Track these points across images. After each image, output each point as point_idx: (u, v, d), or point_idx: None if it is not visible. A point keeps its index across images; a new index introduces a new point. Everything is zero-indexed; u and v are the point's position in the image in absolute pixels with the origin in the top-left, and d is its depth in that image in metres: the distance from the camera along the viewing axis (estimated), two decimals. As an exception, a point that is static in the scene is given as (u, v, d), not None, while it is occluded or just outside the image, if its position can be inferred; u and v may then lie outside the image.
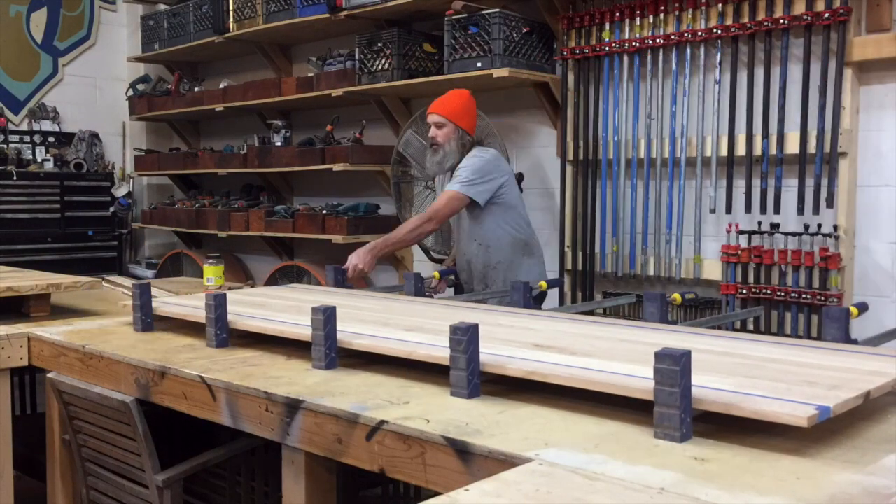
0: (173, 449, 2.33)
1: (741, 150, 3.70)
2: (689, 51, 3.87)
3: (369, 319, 2.34)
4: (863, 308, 2.18)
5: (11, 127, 6.49)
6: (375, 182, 5.23)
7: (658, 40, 3.89)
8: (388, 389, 1.83)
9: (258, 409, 1.84)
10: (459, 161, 3.51)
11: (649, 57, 3.96)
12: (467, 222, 3.55)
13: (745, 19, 3.64)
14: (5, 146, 6.35)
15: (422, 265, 4.94)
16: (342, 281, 3.22)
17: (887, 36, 3.34)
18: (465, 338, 1.72)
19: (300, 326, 2.18)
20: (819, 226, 3.46)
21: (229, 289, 3.35)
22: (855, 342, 1.99)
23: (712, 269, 3.82)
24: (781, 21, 3.51)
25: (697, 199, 3.86)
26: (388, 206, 5.13)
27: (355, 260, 3.26)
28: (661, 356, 1.43)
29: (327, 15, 4.90)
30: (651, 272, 4.00)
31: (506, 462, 1.38)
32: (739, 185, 3.73)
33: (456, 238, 3.73)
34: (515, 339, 2.02)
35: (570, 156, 4.29)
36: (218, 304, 2.30)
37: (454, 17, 4.30)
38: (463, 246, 3.61)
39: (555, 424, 1.56)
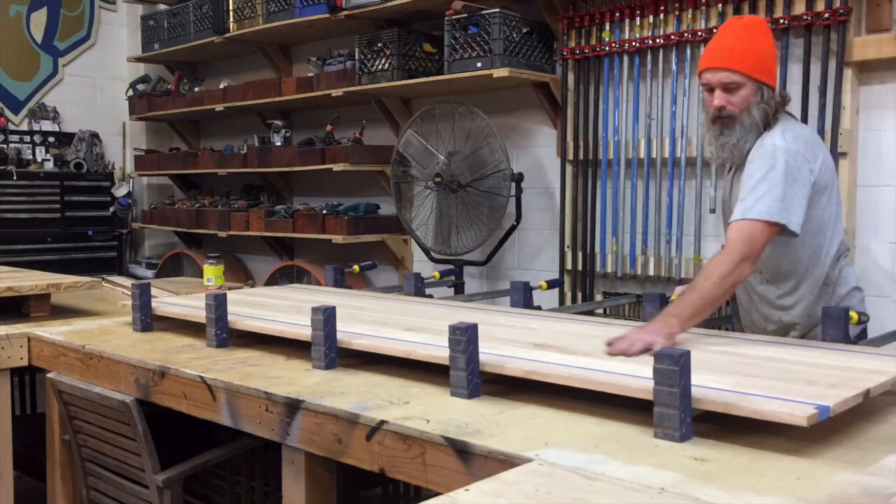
0: (173, 449, 2.33)
1: (741, 150, 3.70)
2: (689, 51, 3.86)
3: (369, 319, 2.34)
4: (864, 317, 2.17)
5: (11, 127, 6.49)
6: (375, 182, 5.22)
7: (658, 40, 3.89)
8: (388, 389, 1.83)
9: (258, 409, 1.84)
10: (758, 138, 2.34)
11: (649, 57, 3.96)
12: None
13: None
14: (5, 146, 6.34)
15: (422, 265, 4.94)
16: (342, 281, 3.22)
17: (887, 36, 3.34)
18: (465, 338, 1.72)
19: (300, 326, 2.18)
20: (819, 226, 3.46)
21: (229, 289, 3.35)
22: (855, 342, 1.99)
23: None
24: (781, 21, 3.51)
25: (697, 199, 3.86)
26: (388, 206, 5.13)
27: (648, 338, 1.88)
28: (661, 356, 1.43)
29: (327, 15, 4.90)
30: (651, 272, 4.00)
31: (506, 462, 1.38)
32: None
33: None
34: (515, 339, 2.02)
35: (570, 156, 4.29)
36: (218, 304, 2.30)
37: (454, 17, 4.30)
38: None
39: (555, 424, 1.56)
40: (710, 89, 2.34)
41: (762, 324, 2.50)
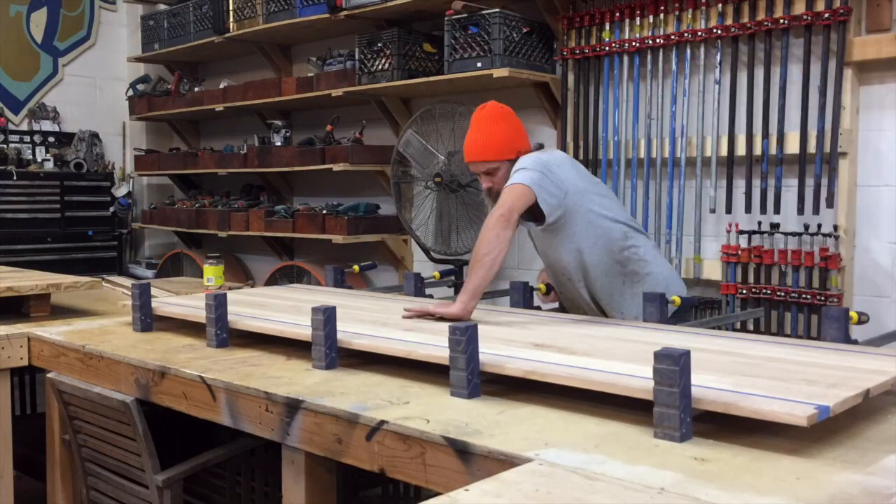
0: (173, 449, 2.33)
1: (741, 150, 3.70)
2: (689, 51, 3.86)
3: (369, 319, 2.34)
4: (864, 317, 2.18)
5: (11, 127, 6.49)
6: (375, 182, 5.22)
7: (658, 40, 3.89)
8: (388, 389, 1.83)
9: (258, 409, 1.84)
10: None
11: (649, 57, 3.96)
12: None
13: (745, 19, 3.63)
14: (5, 146, 6.34)
15: (422, 265, 4.94)
16: (342, 281, 3.22)
17: (887, 36, 3.34)
18: (465, 338, 1.72)
19: (300, 326, 2.19)
20: (819, 226, 3.46)
21: (229, 289, 3.35)
22: (855, 342, 1.99)
23: (712, 269, 3.82)
24: (781, 21, 3.51)
25: (697, 199, 3.86)
26: (388, 206, 5.13)
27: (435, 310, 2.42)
28: (661, 356, 1.43)
29: (327, 15, 4.90)
30: (651, 272, 3.99)
31: (506, 462, 1.38)
32: (739, 185, 3.73)
33: None
34: (515, 339, 2.02)
35: (570, 156, 4.28)
36: (218, 304, 2.30)
37: (454, 17, 4.30)
38: (552, 277, 2.94)
39: (555, 424, 1.56)
40: (479, 175, 2.83)
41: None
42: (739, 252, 3.66)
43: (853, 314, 2.07)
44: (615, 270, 2.73)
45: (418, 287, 2.96)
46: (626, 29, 4.00)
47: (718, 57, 3.75)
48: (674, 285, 2.84)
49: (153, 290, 2.78)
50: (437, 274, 3.26)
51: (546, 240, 2.74)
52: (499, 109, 2.81)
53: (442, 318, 2.33)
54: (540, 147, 2.83)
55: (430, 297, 3.02)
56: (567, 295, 2.87)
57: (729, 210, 3.74)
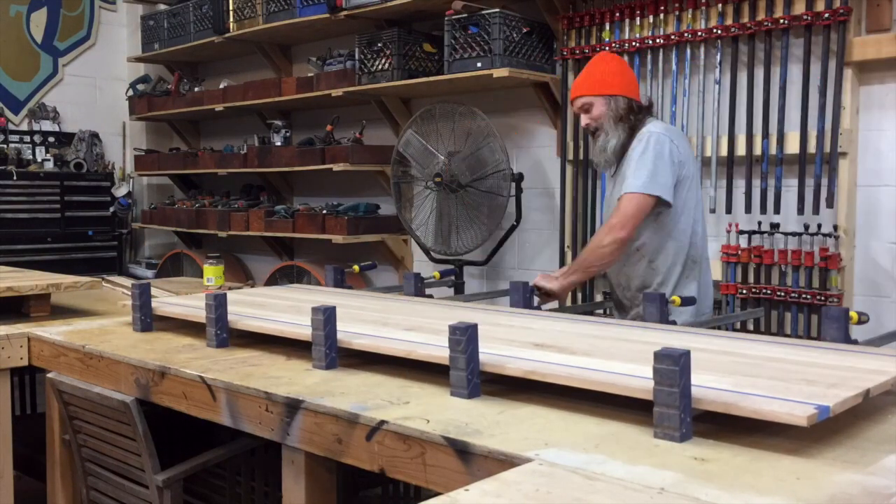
0: (173, 449, 2.33)
1: (741, 150, 3.70)
2: (689, 51, 3.87)
3: (369, 319, 2.34)
4: (864, 317, 2.18)
5: (11, 127, 6.49)
6: (375, 182, 5.23)
7: (658, 40, 3.89)
8: (388, 389, 1.83)
9: (258, 409, 1.84)
10: (628, 138, 2.83)
11: (649, 57, 3.96)
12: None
13: (745, 19, 3.63)
14: (5, 146, 6.35)
15: (422, 265, 4.94)
16: (342, 281, 3.22)
17: (887, 36, 3.34)
18: (465, 337, 1.72)
19: (300, 326, 2.18)
20: (819, 226, 3.46)
21: (229, 289, 3.35)
22: (855, 342, 1.99)
23: (712, 269, 3.81)
24: (781, 21, 3.51)
25: (697, 199, 3.86)
26: (388, 206, 5.13)
27: (550, 284, 2.74)
28: (661, 356, 1.43)
29: (327, 15, 4.90)
30: (651, 272, 3.99)
31: (506, 462, 1.38)
32: (739, 185, 3.73)
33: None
34: (515, 339, 2.02)
35: (570, 156, 4.29)
36: (218, 304, 2.30)
37: (454, 17, 4.30)
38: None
39: (555, 424, 1.56)
40: (576, 114, 2.98)
41: (626, 282, 2.95)
42: (739, 252, 3.66)
43: (853, 314, 2.07)
44: (682, 255, 2.84)
45: (418, 287, 2.96)
46: (626, 29, 4.00)
47: (718, 57, 3.75)
48: (706, 297, 2.95)
49: (153, 290, 2.78)
50: (437, 274, 3.26)
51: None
52: (607, 55, 3.01)
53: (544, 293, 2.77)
54: (649, 108, 2.92)
55: (430, 296, 3.02)
56: (620, 269, 2.91)
57: (729, 210, 3.74)
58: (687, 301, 2.65)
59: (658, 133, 2.76)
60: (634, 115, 2.84)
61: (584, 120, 2.89)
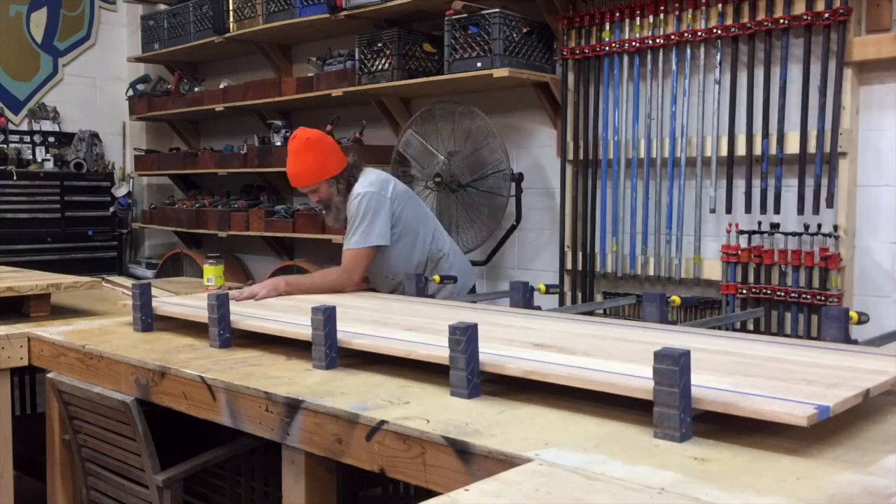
0: (173, 449, 2.33)
1: (741, 150, 3.70)
2: (689, 51, 3.86)
3: (369, 319, 2.34)
4: (864, 317, 2.18)
5: (11, 127, 6.49)
6: (375, 182, 5.22)
7: (658, 40, 3.89)
8: (388, 389, 1.83)
9: (258, 409, 1.84)
10: (349, 200, 3.27)
11: (649, 57, 3.96)
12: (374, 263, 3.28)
13: (745, 19, 3.63)
14: (5, 146, 6.35)
15: (422, 265, 4.94)
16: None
17: (887, 36, 3.34)
18: (465, 337, 1.72)
19: (300, 326, 2.19)
20: (819, 226, 3.46)
21: (229, 289, 3.35)
22: (855, 342, 1.99)
23: (712, 269, 3.82)
24: (781, 21, 3.51)
25: (697, 199, 3.86)
26: (388, 206, 5.13)
27: (257, 289, 2.90)
28: (661, 356, 1.43)
29: (327, 15, 4.90)
30: (651, 272, 4.00)
31: (506, 462, 1.38)
32: (739, 185, 3.73)
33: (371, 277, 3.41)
34: (515, 339, 2.02)
35: (570, 156, 4.29)
36: (221, 304, 2.30)
37: (454, 17, 4.30)
38: (377, 283, 3.42)
39: (555, 424, 1.56)
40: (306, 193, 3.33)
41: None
42: (739, 252, 3.66)
43: (853, 314, 2.07)
44: (424, 260, 3.40)
45: (420, 288, 2.96)
46: (626, 29, 4.00)
47: (718, 57, 3.75)
48: (464, 277, 3.52)
49: (153, 290, 2.78)
50: (437, 278, 3.26)
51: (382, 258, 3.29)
52: (304, 140, 3.24)
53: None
54: (355, 165, 3.32)
55: (431, 297, 3.02)
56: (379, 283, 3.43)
57: (729, 210, 3.74)
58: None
59: (365, 193, 3.21)
60: (351, 179, 3.29)
61: (315, 198, 3.31)
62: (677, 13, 3.84)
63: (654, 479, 1.26)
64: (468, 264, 3.73)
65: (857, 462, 1.33)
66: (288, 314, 2.45)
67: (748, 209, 3.67)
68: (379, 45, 4.70)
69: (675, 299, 2.57)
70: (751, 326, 3.61)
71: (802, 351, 1.87)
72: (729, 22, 3.68)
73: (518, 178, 4.37)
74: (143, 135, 7.07)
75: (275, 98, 5.46)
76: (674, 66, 3.89)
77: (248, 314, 2.44)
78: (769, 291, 3.57)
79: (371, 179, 3.27)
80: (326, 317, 2.02)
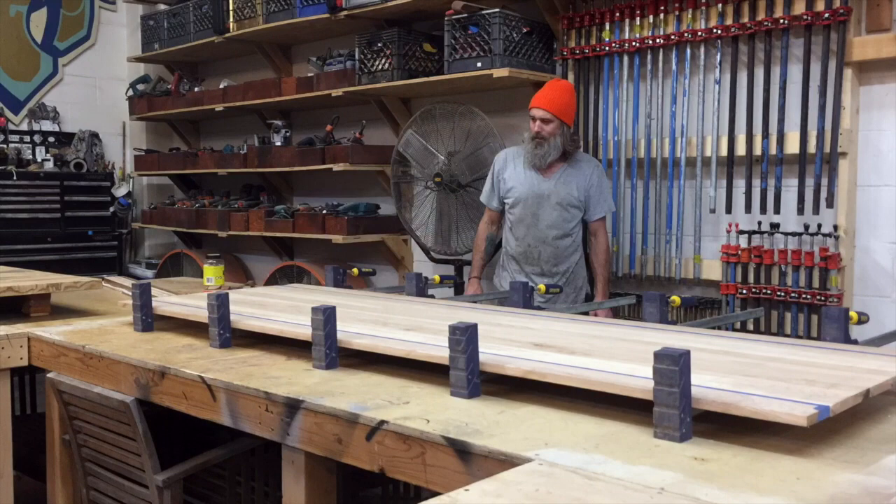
0: (173, 449, 2.33)
1: (741, 150, 3.70)
2: (689, 51, 3.87)
3: (369, 319, 2.34)
4: (864, 317, 2.18)
5: (11, 127, 6.49)
6: (375, 182, 5.23)
7: (658, 40, 3.89)
8: (388, 389, 1.83)
9: (258, 409, 1.84)
10: (560, 156, 3.63)
11: (649, 57, 3.96)
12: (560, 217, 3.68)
13: (745, 19, 3.63)
14: (5, 146, 6.35)
15: (422, 265, 4.94)
16: (342, 281, 3.22)
17: (887, 36, 3.34)
18: (465, 337, 1.72)
19: (300, 326, 2.18)
20: (819, 226, 3.46)
21: (229, 289, 3.35)
22: (855, 342, 1.99)
23: (712, 269, 3.82)
24: (781, 21, 3.51)
25: (697, 199, 3.86)
26: (388, 206, 5.13)
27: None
28: (661, 356, 1.43)
29: (327, 15, 4.90)
30: (651, 272, 4.00)
31: (506, 462, 1.38)
32: (739, 185, 3.73)
33: (522, 227, 3.74)
34: (515, 339, 2.02)
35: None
36: (221, 304, 2.30)
37: (454, 17, 4.30)
38: (540, 234, 3.70)
39: (555, 424, 1.56)
40: (534, 119, 3.61)
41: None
42: (739, 252, 3.66)
43: (853, 314, 2.06)
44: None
45: (420, 287, 2.96)
46: (626, 29, 4.00)
47: (718, 57, 3.75)
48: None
49: (153, 290, 2.78)
50: (437, 277, 3.26)
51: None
52: (570, 87, 3.75)
53: None
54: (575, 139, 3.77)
55: (432, 296, 3.02)
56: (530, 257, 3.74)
57: (729, 210, 3.74)
58: (688, 301, 3.16)
59: (599, 165, 3.80)
60: (570, 145, 3.66)
61: (537, 128, 3.58)
62: (677, 13, 3.84)
63: (654, 479, 1.26)
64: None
65: (857, 462, 1.33)
66: (288, 314, 2.45)
67: (748, 209, 3.67)
68: (379, 45, 4.71)
69: (675, 299, 2.56)
70: (751, 326, 3.61)
71: (802, 351, 1.87)
72: (729, 22, 3.68)
73: (518, 178, 4.37)
74: (143, 135, 7.07)
75: (275, 98, 5.46)
76: (674, 66, 3.89)
77: (248, 314, 2.44)
78: (769, 291, 3.57)
79: (596, 163, 3.79)
80: (326, 317, 2.02)
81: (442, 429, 1.52)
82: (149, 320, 2.60)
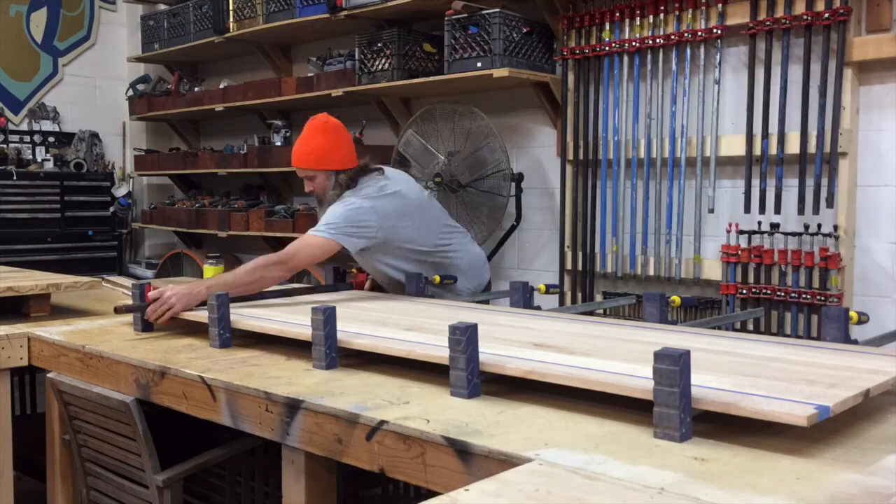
0: (173, 449, 2.33)
1: (741, 150, 3.70)
2: (689, 51, 3.87)
3: (369, 319, 2.34)
4: (864, 317, 2.18)
5: (11, 127, 6.49)
6: (375, 182, 5.22)
7: (658, 40, 3.89)
8: (388, 389, 1.83)
9: (258, 409, 1.84)
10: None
11: (649, 57, 3.96)
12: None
13: (745, 19, 3.63)
14: (5, 146, 6.35)
15: (422, 265, 4.93)
16: (343, 281, 3.22)
17: (887, 36, 3.34)
18: (465, 337, 1.72)
19: (300, 326, 2.18)
20: (819, 226, 3.46)
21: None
22: (855, 342, 1.99)
23: (712, 269, 3.82)
24: (782, 21, 3.51)
25: (697, 199, 3.86)
26: (388, 206, 5.12)
27: (169, 293, 2.52)
28: (660, 356, 1.43)
29: (327, 15, 4.90)
30: (651, 272, 4.00)
31: (506, 462, 1.38)
32: (739, 185, 3.73)
33: None
34: (515, 339, 2.02)
35: (570, 156, 4.29)
36: (221, 304, 2.30)
37: (454, 17, 4.30)
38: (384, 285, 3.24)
39: (555, 424, 1.56)
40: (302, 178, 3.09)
41: None
42: (739, 252, 3.66)
43: (853, 314, 2.06)
44: (427, 269, 3.11)
45: (420, 287, 2.96)
46: (626, 29, 4.00)
47: (718, 57, 3.75)
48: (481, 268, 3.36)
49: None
50: (437, 278, 3.25)
51: (361, 258, 3.10)
52: (323, 122, 3.07)
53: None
54: (377, 170, 3.09)
55: (432, 297, 3.02)
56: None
57: (729, 210, 3.74)
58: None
59: (356, 201, 2.94)
60: (351, 183, 3.02)
61: (308, 187, 3.08)
62: (677, 13, 3.84)
63: (654, 479, 1.26)
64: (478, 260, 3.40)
65: (857, 462, 1.33)
66: (288, 314, 2.45)
67: (748, 209, 3.67)
68: (379, 45, 4.71)
69: (676, 299, 2.56)
70: (750, 326, 3.61)
71: (802, 351, 1.87)
72: (729, 22, 3.68)
73: (518, 178, 4.38)
74: (143, 135, 7.07)
75: (275, 98, 5.46)
76: (674, 66, 3.89)
77: (248, 314, 2.44)
78: (769, 291, 3.57)
79: (371, 191, 2.98)
80: (326, 317, 2.02)
81: (442, 429, 1.52)
82: (149, 320, 2.60)
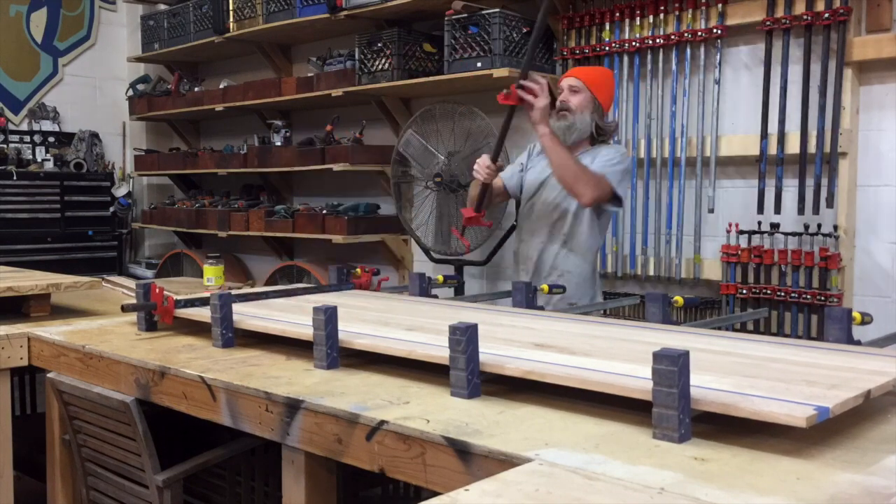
0: (173, 449, 2.33)
1: (741, 150, 3.70)
2: (689, 51, 3.87)
3: (370, 319, 2.34)
4: (867, 318, 2.17)
5: (11, 127, 6.49)
6: (375, 182, 5.22)
7: (658, 40, 3.89)
8: (388, 389, 1.83)
9: (258, 409, 1.84)
10: (585, 138, 3.13)
11: (649, 57, 3.96)
12: (558, 217, 3.13)
13: (745, 19, 3.63)
14: (5, 146, 6.35)
15: (422, 265, 4.94)
16: (345, 281, 3.22)
17: (887, 36, 3.34)
18: (465, 338, 1.72)
19: (301, 326, 2.18)
20: (819, 226, 3.46)
21: (229, 289, 3.35)
22: (858, 343, 1.99)
23: (712, 269, 3.82)
24: (782, 21, 3.51)
25: (697, 199, 3.86)
26: (388, 206, 5.13)
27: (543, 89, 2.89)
28: (659, 356, 1.42)
29: (327, 15, 4.90)
30: (651, 272, 4.00)
31: (506, 462, 1.38)
32: (740, 185, 3.73)
33: (519, 228, 3.34)
34: (515, 339, 2.02)
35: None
36: (223, 304, 2.30)
37: (454, 17, 4.30)
38: (536, 239, 3.20)
39: (555, 424, 1.56)
40: (561, 90, 3.16)
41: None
42: (739, 252, 3.66)
43: (856, 315, 2.06)
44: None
45: (423, 287, 2.95)
46: (626, 29, 4.00)
47: (718, 57, 3.75)
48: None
49: (153, 290, 2.78)
50: (440, 277, 3.25)
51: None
52: (612, 73, 3.42)
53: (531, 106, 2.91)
54: (614, 127, 3.36)
55: (435, 296, 3.02)
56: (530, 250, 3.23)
57: (729, 210, 3.74)
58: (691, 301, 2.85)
59: (626, 154, 3.16)
60: (605, 127, 3.17)
61: (566, 96, 3.12)
62: (677, 13, 3.84)
63: (654, 480, 1.26)
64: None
65: (858, 462, 1.33)
66: (288, 314, 2.45)
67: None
68: (379, 45, 4.71)
69: (678, 300, 2.56)
70: (751, 326, 3.61)
71: (804, 352, 1.86)
72: (729, 22, 3.68)
73: (518, 178, 4.37)
74: (143, 135, 7.07)
75: (275, 98, 5.46)
76: (674, 66, 3.89)
77: (249, 314, 2.44)
78: (769, 291, 3.57)
79: (621, 154, 3.11)
80: (328, 316, 2.02)
81: (442, 429, 1.52)
82: (154, 320, 2.60)
